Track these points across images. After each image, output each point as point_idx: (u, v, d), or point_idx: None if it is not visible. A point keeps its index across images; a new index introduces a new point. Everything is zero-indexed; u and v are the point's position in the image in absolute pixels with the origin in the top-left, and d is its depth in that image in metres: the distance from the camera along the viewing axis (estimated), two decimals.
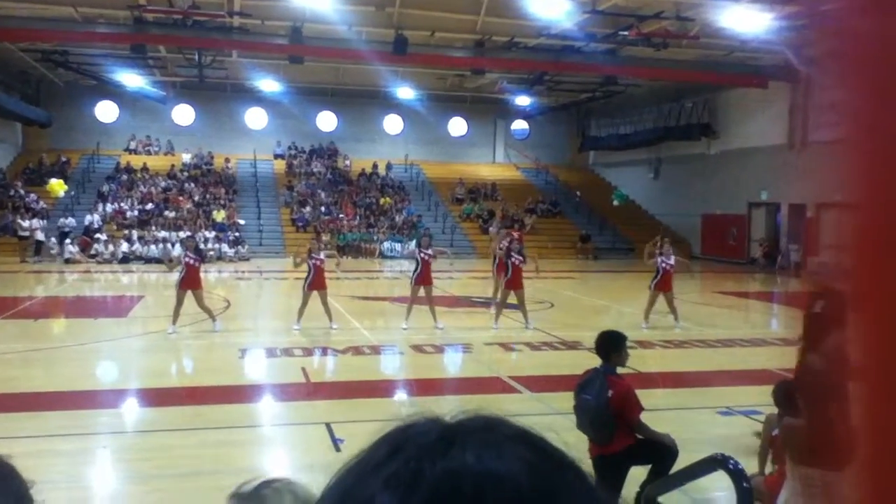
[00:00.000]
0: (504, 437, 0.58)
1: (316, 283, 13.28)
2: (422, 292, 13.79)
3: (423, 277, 13.71)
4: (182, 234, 28.93)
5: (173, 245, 28.25)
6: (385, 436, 0.59)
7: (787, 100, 27.70)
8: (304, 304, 13.23)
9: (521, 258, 13.74)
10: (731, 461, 4.23)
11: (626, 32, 22.95)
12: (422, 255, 13.90)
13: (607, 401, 5.18)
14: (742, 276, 26.88)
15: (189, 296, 12.85)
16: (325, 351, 11.94)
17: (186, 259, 12.98)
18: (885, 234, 0.81)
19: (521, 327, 13.72)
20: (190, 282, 12.90)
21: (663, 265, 13.93)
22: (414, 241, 27.54)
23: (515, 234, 18.98)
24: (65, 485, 6.27)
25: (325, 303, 13.33)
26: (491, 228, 32.62)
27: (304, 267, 13.52)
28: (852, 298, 0.86)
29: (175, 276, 13.44)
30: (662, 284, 13.97)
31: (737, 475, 4.17)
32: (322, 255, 13.67)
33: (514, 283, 13.68)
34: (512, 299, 13.98)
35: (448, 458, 0.54)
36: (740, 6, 20.47)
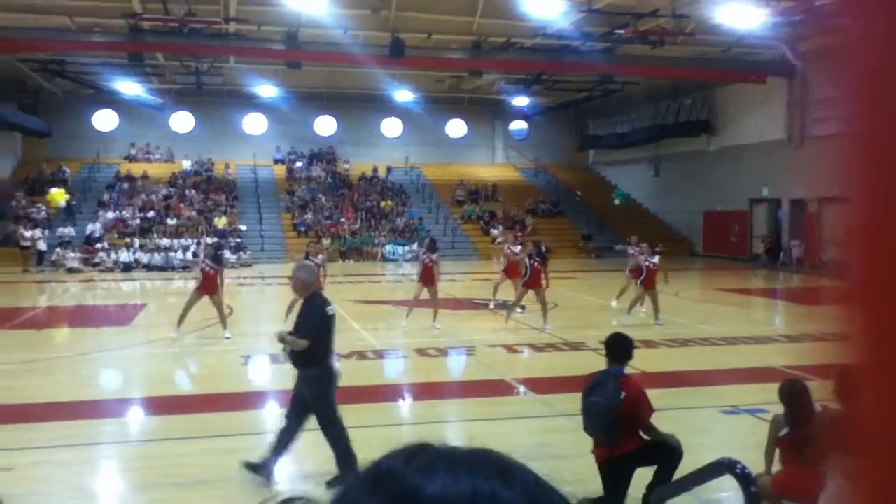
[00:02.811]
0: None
1: None
2: (425, 293, 14.20)
3: (424, 278, 14.17)
4: (184, 241, 28.98)
5: (176, 251, 28.27)
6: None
7: (785, 95, 27.66)
8: None
9: (539, 260, 14.13)
10: (739, 465, 4.21)
11: (622, 31, 22.92)
12: (423, 257, 14.45)
13: (620, 403, 5.15)
14: (744, 273, 26.82)
15: (207, 302, 12.86)
16: None
17: (203, 266, 13.02)
18: (884, 229, 0.79)
19: (525, 328, 13.77)
20: (205, 287, 12.91)
21: (647, 264, 14.44)
22: (416, 244, 27.84)
23: (518, 235, 19.03)
24: (66, 495, 6.25)
25: None
26: (493, 231, 32.60)
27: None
28: (852, 294, 0.84)
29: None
30: (647, 283, 14.42)
31: (744, 479, 4.15)
32: (319, 259, 13.71)
33: (533, 283, 14.04)
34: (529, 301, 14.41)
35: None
36: (736, 2, 20.44)
